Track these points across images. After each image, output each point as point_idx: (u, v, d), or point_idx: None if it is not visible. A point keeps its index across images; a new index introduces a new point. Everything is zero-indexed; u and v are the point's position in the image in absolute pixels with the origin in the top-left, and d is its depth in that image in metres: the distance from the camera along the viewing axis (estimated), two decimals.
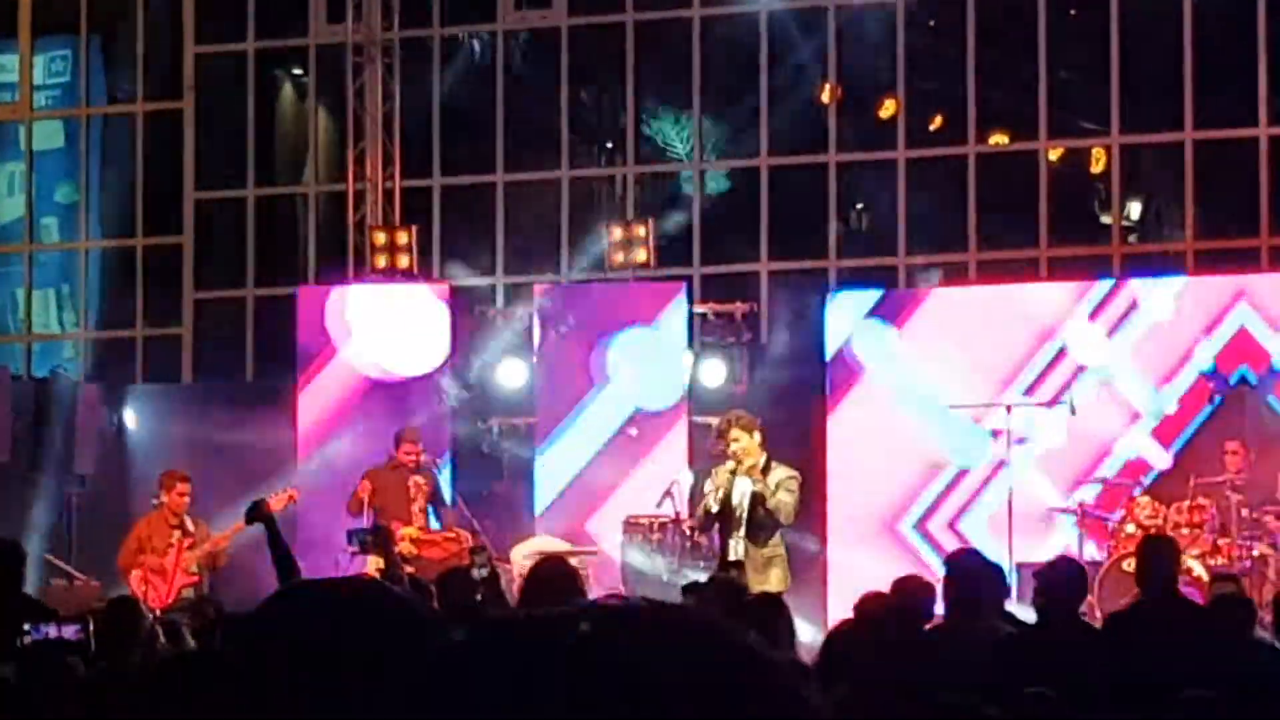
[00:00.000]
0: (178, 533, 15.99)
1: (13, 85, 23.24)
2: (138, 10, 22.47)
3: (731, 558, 14.08)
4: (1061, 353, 17.74)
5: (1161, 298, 17.73)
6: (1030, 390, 17.62)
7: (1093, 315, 17.79)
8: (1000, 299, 18.46)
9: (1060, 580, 8.91)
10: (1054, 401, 17.21)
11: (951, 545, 17.62)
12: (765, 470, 14.31)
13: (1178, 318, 17.56)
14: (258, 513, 9.79)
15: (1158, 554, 9.11)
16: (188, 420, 18.91)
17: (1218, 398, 17.12)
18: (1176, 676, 6.96)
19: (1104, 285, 18.18)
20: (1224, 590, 10.03)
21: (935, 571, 17.27)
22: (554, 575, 8.46)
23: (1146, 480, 16.96)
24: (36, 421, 17.33)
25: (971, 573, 8.96)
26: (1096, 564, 15.98)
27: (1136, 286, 18.06)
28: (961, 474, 17.94)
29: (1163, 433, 17.52)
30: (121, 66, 22.84)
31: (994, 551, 13.10)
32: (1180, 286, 18.01)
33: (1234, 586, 10.91)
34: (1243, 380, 17.10)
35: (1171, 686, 6.73)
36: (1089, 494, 16.93)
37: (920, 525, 18.08)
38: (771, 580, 13.89)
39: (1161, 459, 17.37)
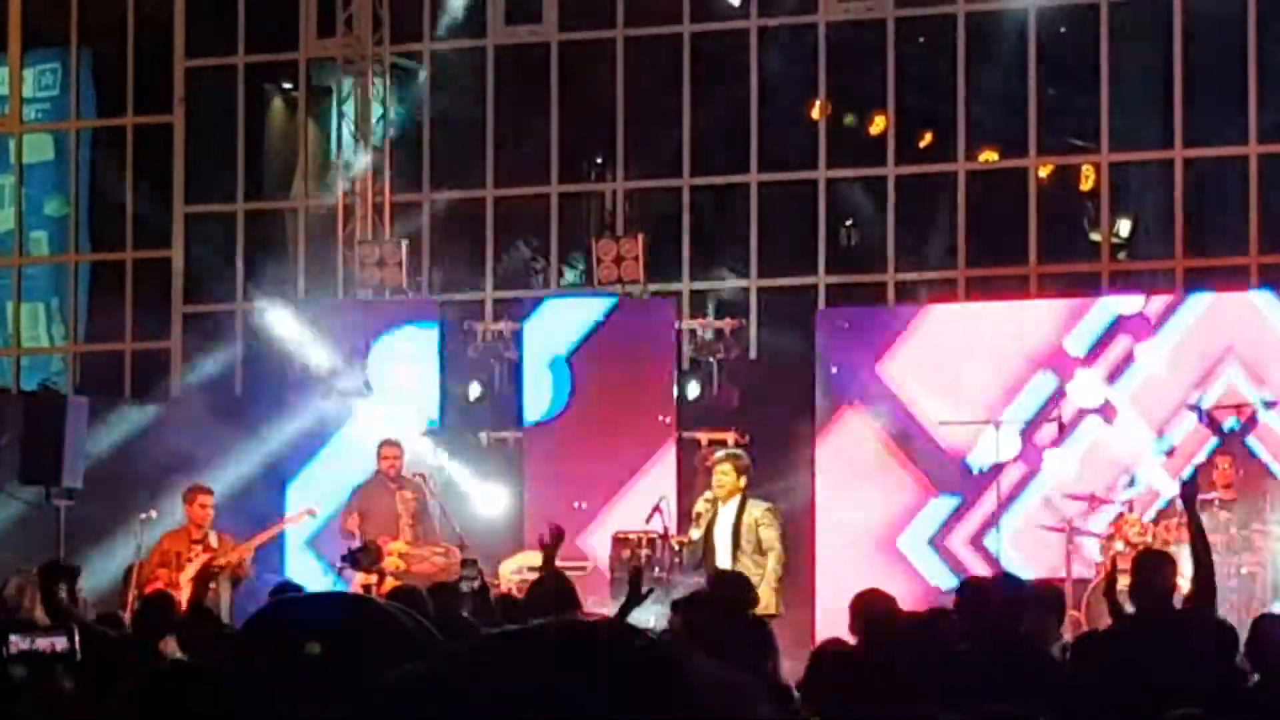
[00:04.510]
0: (198, 547, 15.91)
1: (2, 98, 23.22)
2: (128, 24, 22.46)
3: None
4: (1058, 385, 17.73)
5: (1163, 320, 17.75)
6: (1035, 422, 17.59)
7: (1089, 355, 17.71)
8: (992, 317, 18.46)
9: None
10: (1047, 422, 17.19)
11: (939, 564, 17.65)
12: (741, 506, 14.46)
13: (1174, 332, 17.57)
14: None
15: (1154, 570, 9.05)
16: (177, 434, 18.86)
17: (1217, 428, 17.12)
18: (1167, 694, 6.93)
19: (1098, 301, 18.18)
20: None
21: (920, 590, 17.34)
22: (558, 588, 9.83)
23: (1158, 503, 16.83)
24: (25, 435, 17.25)
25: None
26: (1085, 581, 15.97)
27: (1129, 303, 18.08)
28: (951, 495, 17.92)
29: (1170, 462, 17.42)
30: (111, 80, 22.81)
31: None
32: (1174, 302, 18.04)
33: None
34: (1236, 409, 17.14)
35: (1161, 704, 6.70)
36: (1076, 510, 16.90)
37: (907, 543, 18.06)
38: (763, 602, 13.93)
39: (1168, 488, 17.24)
